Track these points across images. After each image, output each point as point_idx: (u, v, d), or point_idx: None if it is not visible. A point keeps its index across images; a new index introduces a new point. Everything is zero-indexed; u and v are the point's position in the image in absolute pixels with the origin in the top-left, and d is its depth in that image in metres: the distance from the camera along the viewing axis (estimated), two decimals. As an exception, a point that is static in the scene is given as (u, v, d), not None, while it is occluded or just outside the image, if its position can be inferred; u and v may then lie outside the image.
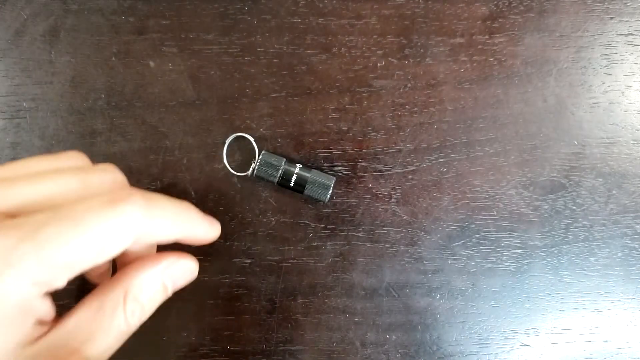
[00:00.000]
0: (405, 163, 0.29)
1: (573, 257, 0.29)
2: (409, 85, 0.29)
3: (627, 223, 0.29)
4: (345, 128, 0.29)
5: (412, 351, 0.29)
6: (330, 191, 0.27)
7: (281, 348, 0.28)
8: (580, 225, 0.29)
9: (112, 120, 0.28)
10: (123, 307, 0.18)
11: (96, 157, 0.26)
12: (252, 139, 0.28)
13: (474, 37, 0.28)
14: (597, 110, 0.29)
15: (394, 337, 0.29)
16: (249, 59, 0.28)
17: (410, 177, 0.29)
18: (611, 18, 0.29)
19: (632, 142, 0.29)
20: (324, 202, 0.28)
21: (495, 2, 0.28)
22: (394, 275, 0.29)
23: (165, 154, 0.28)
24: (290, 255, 0.29)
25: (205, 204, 0.28)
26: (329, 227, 0.29)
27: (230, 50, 0.28)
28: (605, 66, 0.29)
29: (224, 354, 0.28)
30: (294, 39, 0.28)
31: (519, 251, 0.29)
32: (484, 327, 0.29)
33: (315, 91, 0.28)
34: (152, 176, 0.28)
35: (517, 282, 0.29)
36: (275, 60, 0.28)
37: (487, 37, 0.28)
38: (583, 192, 0.29)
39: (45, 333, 0.16)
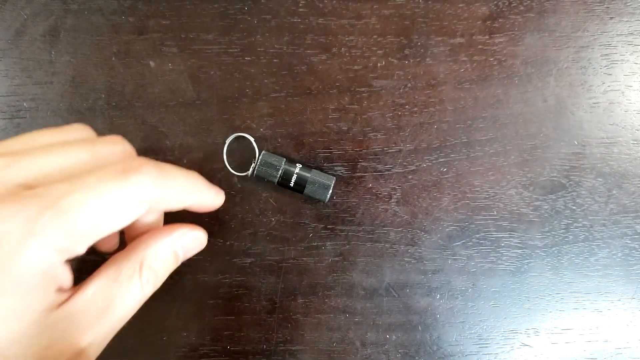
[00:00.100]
0: (405, 163, 0.29)
1: (573, 257, 0.29)
2: (409, 85, 0.29)
3: (627, 223, 0.29)
4: (345, 128, 0.29)
5: (412, 351, 0.29)
6: (330, 191, 0.27)
7: (281, 348, 0.28)
8: (580, 225, 0.29)
9: (112, 120, 0.28)
10: (139, 275, 0.19)
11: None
12: (252, 139, 0.28)
13: (474, 37, 0.28)
14: (597, 110, 0.29)
15: (394, 337, 0.29)
16: (249, 59, 0.28)
17: (410, 177, 0.29)
18: (611, 18, 0.29)
19: (632, 142, 0.29)
20: (324, 202, 0.28)
21: (495, 2, 0.28)
22: (394, 275, 0.29)
23: (165, 154, 0.28)
24: (290, 255, 0.29)
25: (205, 204, 0.28)
26: (329, 227, 0.29)
27: (230, 50, 0.28)
28: (605, 66, 0.29)
29: (224, 354, 0.28)
30: (294, 39, 0.28)
31: (519, 251, 0.29)
32: (484, 327, 0.29)
33: (315, 91, 0.29)
34: (152, 176, 0.28)
35: (517, 282, 0.29)
36: (275, 60, 0.28)
37: (487, 37, 0.28)
38: (583, 192, 0.29)
39: (66, 300, 0.17)
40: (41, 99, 0.28)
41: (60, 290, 0.17)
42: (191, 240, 0.22)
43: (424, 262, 0.29)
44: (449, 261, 0.29)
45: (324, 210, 0.29)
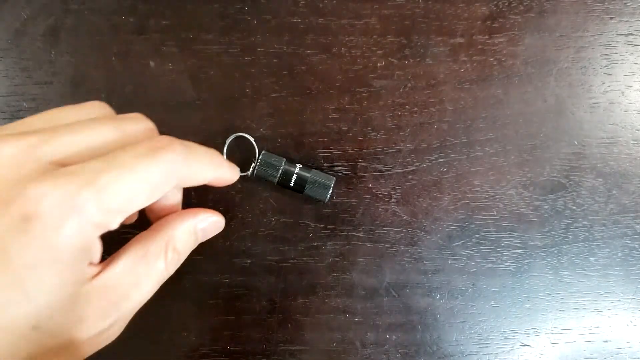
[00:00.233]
0: (405, 163, 0.29)
1: (573, 257, 0.29)
2: (409, 85, 0.29)
3: (627, 223, 0.29)
4: (345, 128, 0.29)
5: (412, 351, 0.29)
6: (330, 191, 0.27)
7: (281, 348, 0.28)
8: (580, 225, 0.29)
9: (112, 120, 0.28)
10: (164, 255, 0.20)
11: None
12: (252, 139, 0.28)
13: (474, 37, 0.28)
14: (597, 110, 0.29)
15: (394, 337, 0.29)
16: (249, 59, 0.28)
17: (410, 177, 0.29)
18: (611, 18, 0.29)
19: (632, 142, 0.29)
20: (324, 202, 0.28)
21: (495, 2, 0.28)
22: (394, 275, 0.29)
23: (165, 154, 0.28)
24: (290, 255, 0.29)
25: (206, 204, 0.28)
26: (329, 227, 0.29)
27: (230, 50, 0.28)
28: (605, 66, 0.29)
29: (224, 354, 0.28)
30: (294, 39, 0.28)
31: (519, 251, 0.29)
32: (484, 327, 0.29)
33: (315, 91, 0.28)
34: (152, 176, 0.28)
35: (517, 282, 0.29)
36: (275, 60, 0.28)
37: (487, 37, 0.29)
38: (583, 192, 0.29)
39: (97, 274, 0.17)
40: (41, 99, 0.28)
41: (91, 264, 0.17)
42: (212, 224, 0.23)
43: (424, 262, 0.29)
44: (449, 261, 0.29)
45: (324, 210, 0.29)
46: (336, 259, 0.29)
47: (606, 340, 0.29)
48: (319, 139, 0.29)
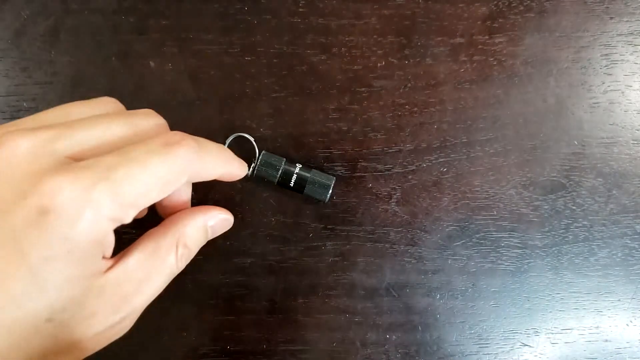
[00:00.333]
0: (405, 163, 0.29)
1: (573, 257, 0.29)
2: (409, 85, 0.29)
3: (627, 223, 0.29)
4: (345, 128, 0.29)
5: (412, 351, 0.29)
6: (330, 191, 0.27)
7: (281, 348, 0.28)
8: (580, 225, 0.29)
9: (112, 120, 0.28)
10: (175, 251, 0.20)
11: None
12: (252, 139, 0.28)
13: (474, 37, 0.28)
14: (597, 110, 0.29)
15: (394, 337, 0.29)
16: (249, 59, 0.28)
17: (410, 177, 0.29)
18: (611, 18, 0.29)
19: (632, 142, 0.29)
20: (324, 202, 0.28)
21: (495, 2, 0.28)
22: (394, 275, 0.29)
23: (165, 154, 0.28)
24: (290, 255, 0.29)
25: (206, 204, 0.28)
26: (329, 227, 0.29)
27: (230, 50, 0.28)
28: (605, 66, 0.29)
29: (224, 354, 0.28)
30: (294, 39, 0.28)
31: (519, 251, 0.29)
32: (484, 327, 0.29)
33: (315, 91, 0.29)
34: (152, 176, 0.28)
35: (517, 282, 0.29)
36: (275, 60, 0.28)
37: (487, 37, 0.29)
38: (583, 192, 0.29)
39: (110, 268, 0.18)
40: (41, 99, 0.28)
41: (105, 258, 0.18)
42: (222, 221, 0.24)
43: (424, 262, 0.29)
44: (449, 261, 0.29)
45: (324, 210, 0.29)
46: (336, 259, 0.29)
47: (606, 340, 0.29)
48: (319, 139, 0.29)
